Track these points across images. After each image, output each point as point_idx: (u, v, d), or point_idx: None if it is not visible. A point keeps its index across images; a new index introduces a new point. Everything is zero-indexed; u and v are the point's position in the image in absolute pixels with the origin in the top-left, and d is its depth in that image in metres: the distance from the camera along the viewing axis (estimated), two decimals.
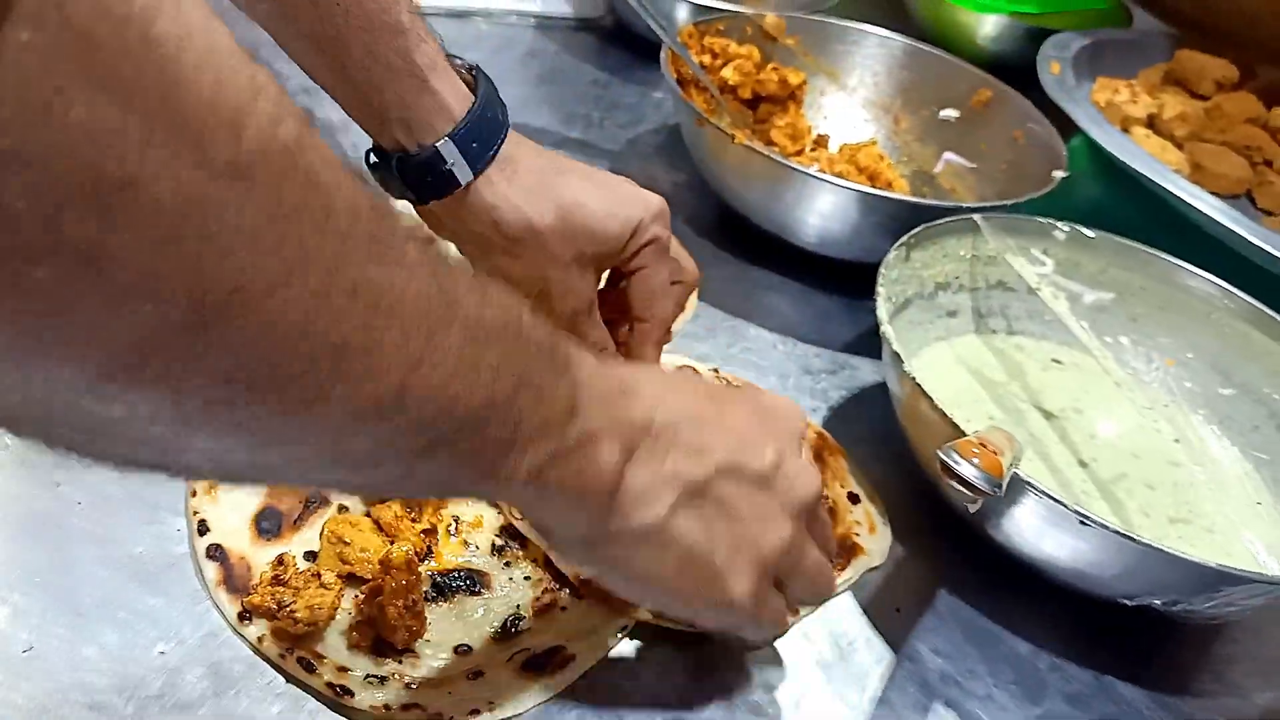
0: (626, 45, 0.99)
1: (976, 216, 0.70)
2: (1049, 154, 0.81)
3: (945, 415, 0.53)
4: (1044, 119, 0.84)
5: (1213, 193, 0.79)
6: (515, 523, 0.53)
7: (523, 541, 0.53)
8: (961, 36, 1.10)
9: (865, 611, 0.55)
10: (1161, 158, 0.84)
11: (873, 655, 0.53)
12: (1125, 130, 0.89)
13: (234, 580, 0.48)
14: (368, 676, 0.45)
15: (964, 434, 0.52)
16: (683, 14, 0.94)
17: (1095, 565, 0.53)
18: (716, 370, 0.67)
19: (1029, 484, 0.51)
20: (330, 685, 0.45)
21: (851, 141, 0.90)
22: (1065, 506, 0.50)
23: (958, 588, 0.58)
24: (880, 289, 0.61)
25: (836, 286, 0.78)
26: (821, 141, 0.90)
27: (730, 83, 0.86)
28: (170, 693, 0.44)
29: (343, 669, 0.46)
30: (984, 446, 0.49)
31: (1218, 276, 0.69)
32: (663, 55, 0.80)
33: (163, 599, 0.47)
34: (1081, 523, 0.50)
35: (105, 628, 0.45)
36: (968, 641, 0.55)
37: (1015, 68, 0.94)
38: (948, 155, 0.87)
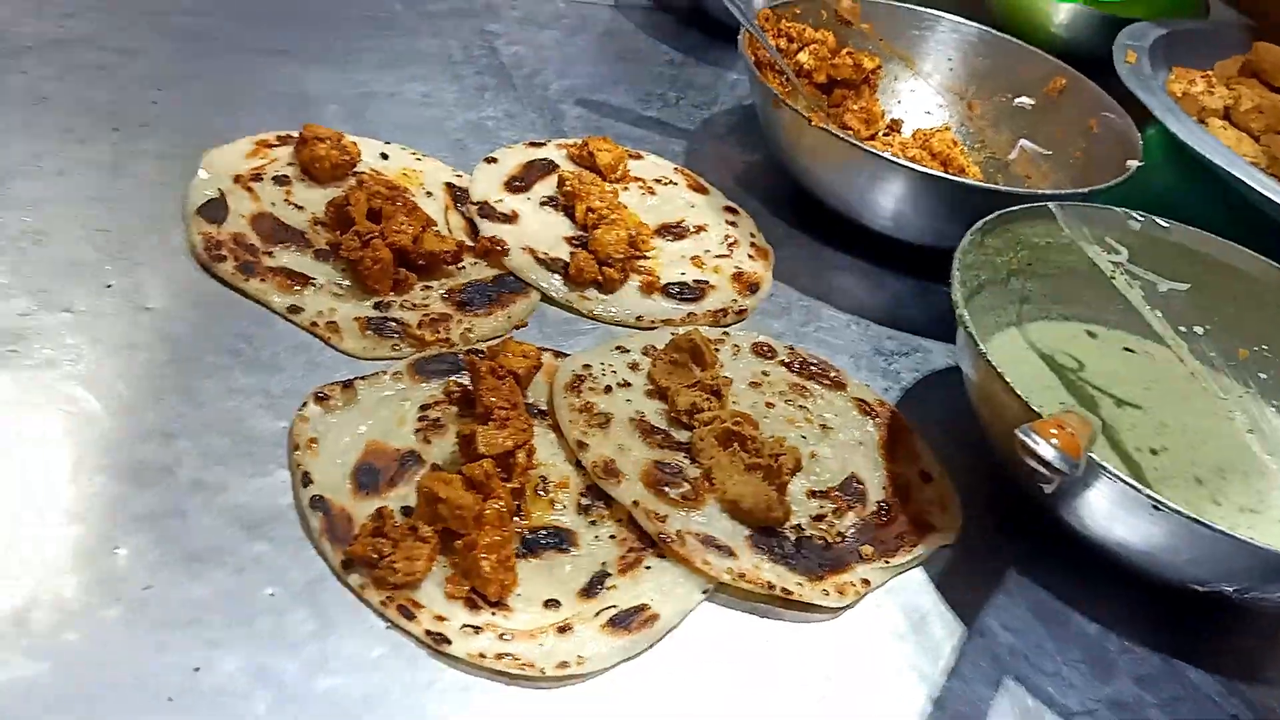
0: (701, 27, 1.00)
1: (1051, 204, 0.70)
2: (1124, 143, 0.81)
3: (1020, 398, 0.54)
4: (1119, 108, 0.84)
5: None
6: (600, 482, 0.55)
7: (608, 501, 0.55)
8: (1035, 24, 1.10)
9: (937, 587, 0.57)
10: (1237, 149, 0.84)
11: (945, 629, 0.55)
12: (1201, 121, 0.88)
13: (336, 530, 0.50)
14: (463, 625, 0.48)
15: (1035, 413, 0.52)
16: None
17: (1167, 550, 0.53)
18: (792, 348, 0.68)
19: (1103, 468, 0.51)
20: (429, 633, 0.47)
21: (924, 127, 0.90)
22: (1139, 491, 0.51)
23: (1028, 567, 0.59)
24: (955, 273, 0.62)
25: (908, 269, 0.79)
26: (895, 126, 0.90)
27: (805, 67, 0.87)
28: (279, 632, 0.46)
29: (440, 617, 0.48)
30: (1062, 428, 0.50)
31: None
32: (740, 37, 0.81)
33: (269, 545, 0.50)
34: (1155, 508, 0.51)
35: (216, 570, 0.48)
36: (1037, 620, 0.57)
37: (1087, 57, 0.93)
38: (1023, 142, 0.87)
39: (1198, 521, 0.50)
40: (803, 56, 0.87)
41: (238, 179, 0.67)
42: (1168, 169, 0.87)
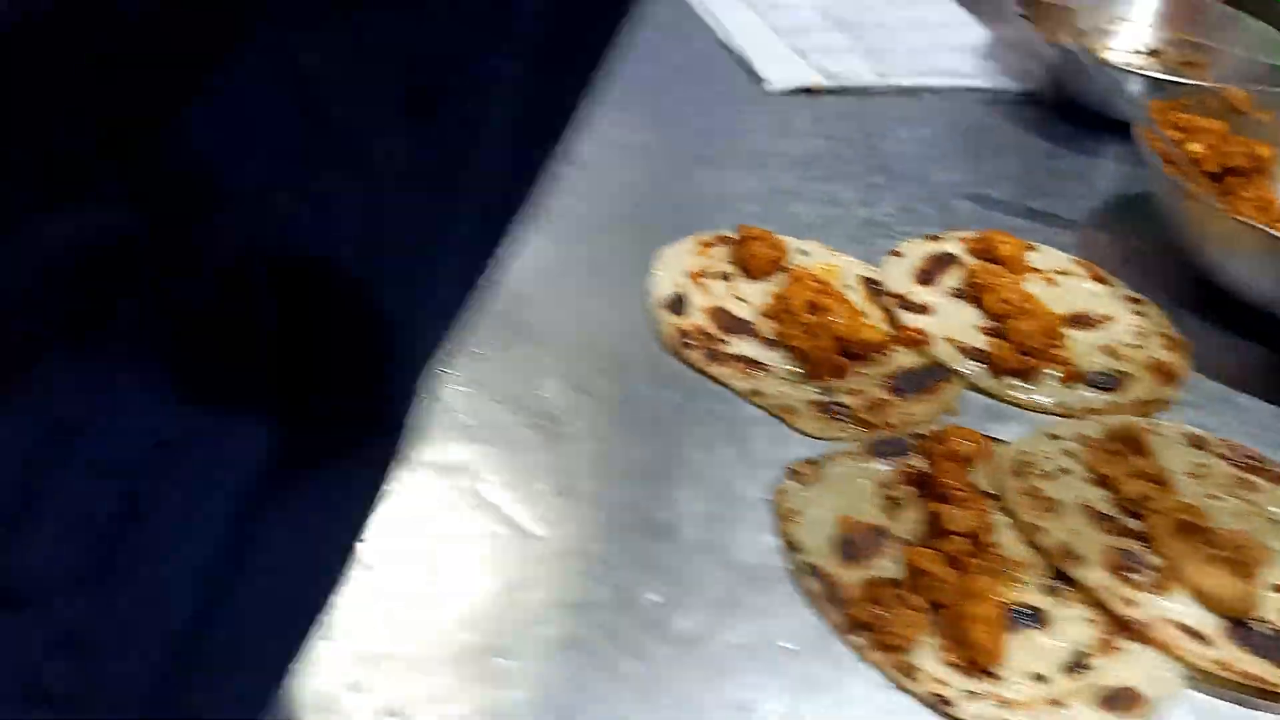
0: (1068, 117, 1.03)
1: None
2: None
3: None
4: None
5: None
6: (1062, 565, 0.59)
7: (1070, 583, 0.58)
8: None
9: None
10: None
11: None
12: None
13: (831, 593, 0.57)
14: (963, 690, 0.53)
15: None
16: (1136, 89, 0.97)
17: None
18: (1226, 440, 0.69)
19: None
20: (932, 693, 0.52)
21: None
22: None
23: None
24: None
25: None
26: None
27: (1195, 155, 0.87)
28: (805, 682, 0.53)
29: (940, 680, 0.53)
30: None
31: None
32: (1134, 131, 0.83)
33: (770, 599, 0.57)
34: None
35: (734, 621, 0.56)
36: None
37: None
38: None
39: None
40: (1193, 145, 0.87)
41: (691, 275, 0.77)
42: None
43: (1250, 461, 0.67)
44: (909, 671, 0.53)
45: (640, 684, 0.52)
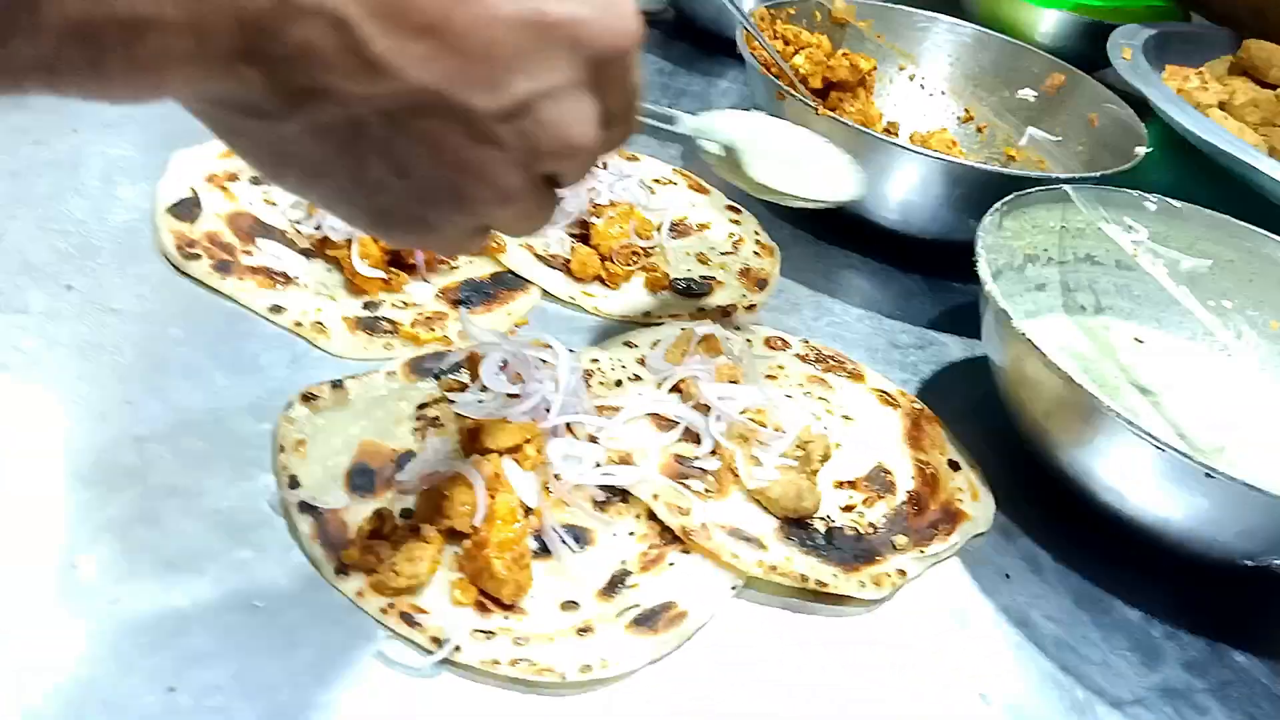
0: (689, 38, 0.99)
1: (1068, 187, 0.68)
2: (1128, 133, 0.79)
3: (1059, 370, 0.51)
4: (1119, 99, 0.82)
5: None
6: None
7: (625, 497, 0.51)
8: (1020, 31, 1.09)
9: (974, 578, 0.53)
10: (1241, 138, 0.83)
11: (986, 621, 0.51)
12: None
13: (329, 535, 0.46)
14: (474, 630, 0.43)
15: (1076, 385, 0.50)
16: (749, 1, 0.94)
17: (1215, 524, 0.50)
18: (807, 341, 0.65)
19: (1154, 439, 0.48)
20: (435, 640, 0.43)
21: (921, 129, 0.88)
22: (1190, 460, 0.48)
23: (1065, 555, 0.56)
24: (980, 252, 0.59)
25: (916, 266, 0.76)
26: (892, 129, 0.88)
27: (801, 71, 0.85)
28: (266, 647, 0.42)
29: (447, 624, 0.43)
30: None
31: None
32: (738, 36, 0.79)
33: (254, 552, 0.45)
34: (1207, 475, 0.48)
35: (197, 580, 0.44)
36: (1079, 608, 0.53)
37: (1073, 64, 0.92)
38: (1031, 130, 0.85)
39: (1252, 487, 0.47)
40: (798, 60, 0.85)
41: (211, 178, 0.64)
42: (1167, 164, 0.85)
43: (829, 361, 0.63)
44: (413, 618, 0.43)
45: (34, 679, 0.39)
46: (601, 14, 0.31)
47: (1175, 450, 0.48)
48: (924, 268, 0.76)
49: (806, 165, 0.60)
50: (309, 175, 0.33)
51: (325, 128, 0.31)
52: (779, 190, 0.57)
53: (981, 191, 0.69)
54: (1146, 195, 0.69)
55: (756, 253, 0.72)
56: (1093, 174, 0.71)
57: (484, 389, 0.52)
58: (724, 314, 0.66)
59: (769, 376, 0.61)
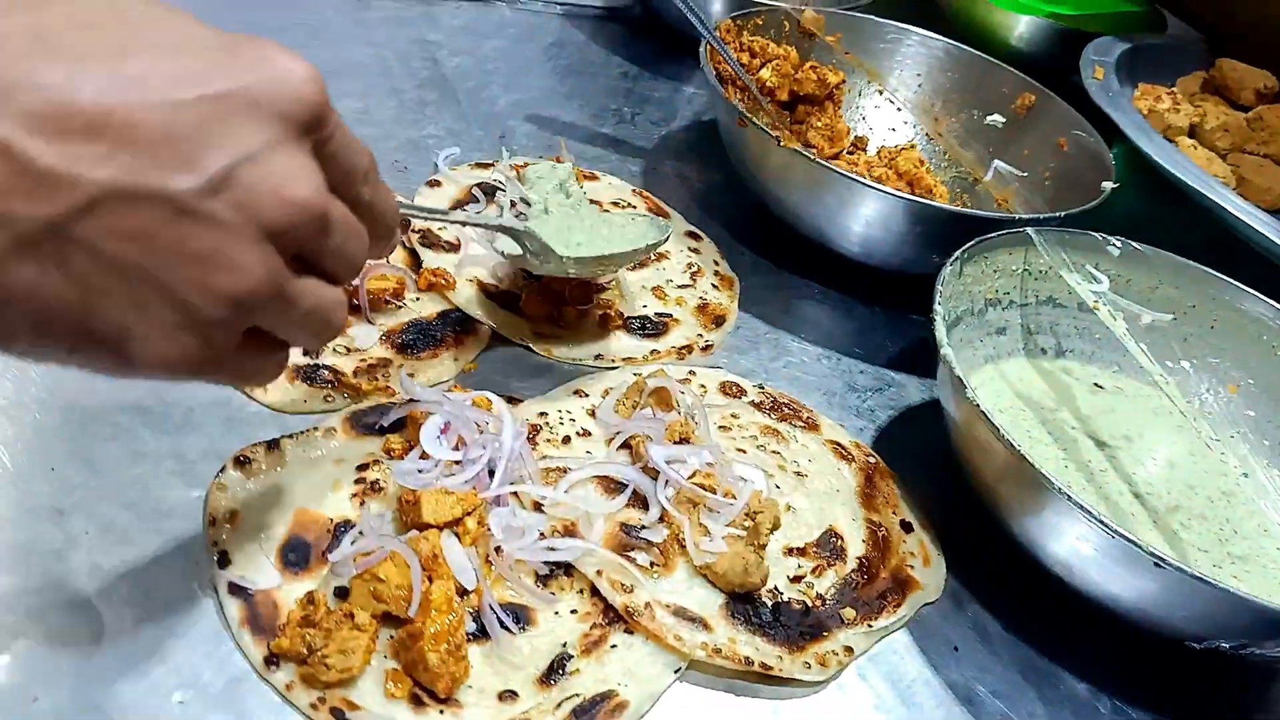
0: (656, 37, 0.95)
1: (1030, 230, 0.66)
2: (1095, 163, 0.78)
3: (1009, 444, 0.50)
4: (1089, 126, 0.81)
5: (1258, 206, 0.77)
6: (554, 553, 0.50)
7: (569, 570, 0.50)
8: (995, 36, 1.07)
9: (921, 650, 0.53)
10: (1208, 170, 0.82)
11: (931, 697, 0.51)
12: (1170, 141, 0.86)
13: (259, 620, 0.44)
14: None
15: (1027, 461, 0.49)
16: (718, 7, 0.90)
17: (1163, 606, 0.50)
18: (762, 386, 0.63)
19: (1104, 523, 0.48)
20: None
21: (889, 144, 0.87)
22: (1140, 548, 0.47)
23: (1014, 623, 0.55)
24: (937, 308, 0.58)
25: (877, 297, 0.75)
26: (860, 144, 0.86)
27: (768, 84, 0.82)
28: None
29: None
30: None
31: (1264, 294, 0.67)
32: (701, 51, 0.76)
33: (181, 640, 0.44)
34: (1156, 565, 0.48)
35: (117, 674, 0.42)
36: (1026, 682, 0.53)
37: (1047, 69, 0.90)
38: (997, 163, 0.83)
39: (1200, 579, 0.47)
40: (765, 73, 0.82)
41: None
42: (1135, 189, 0.84)
43: (785, 409, 0.62)
44: (344, 714, 0.42)
45: None
46: (270, 73, 0.32)
47: (1123, 535, 0.48)
48: (885, 299, 0.75)
49: (604, 228, 0.59)
50: (38, 325, 0.30)
51: (28, 251, 0.28)
52: (591, 257, 0.57)
53: (943, 228, 0.68)
54: (1110, 239, 0.68)
55: (715, 285, 0.70)
56: (1056, 214, 0.70)
57: (424, 455, 0.51)
58: (679, 355, 0.64)
59: (722, 427, 0.59)
